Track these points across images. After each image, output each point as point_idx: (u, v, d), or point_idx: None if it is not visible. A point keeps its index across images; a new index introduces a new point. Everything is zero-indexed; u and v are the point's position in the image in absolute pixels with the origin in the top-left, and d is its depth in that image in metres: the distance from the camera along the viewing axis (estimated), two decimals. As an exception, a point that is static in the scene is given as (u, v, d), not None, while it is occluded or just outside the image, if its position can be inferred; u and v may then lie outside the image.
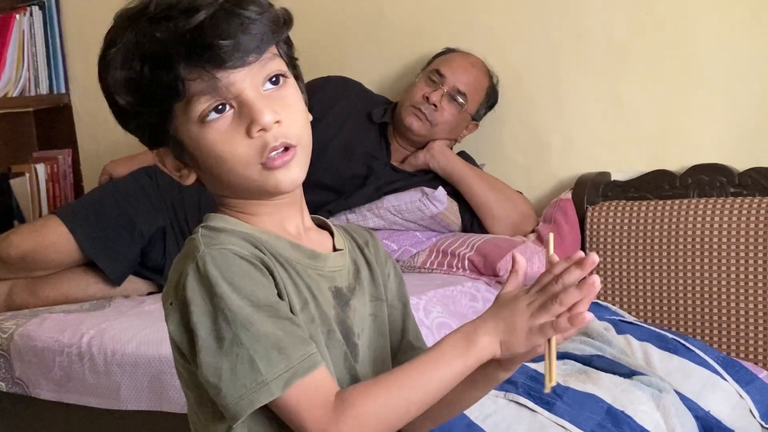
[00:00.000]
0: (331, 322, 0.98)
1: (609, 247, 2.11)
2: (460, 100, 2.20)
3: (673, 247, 2.02)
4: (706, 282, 1.97)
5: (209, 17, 0.88)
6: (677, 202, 2.04)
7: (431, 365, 0.90)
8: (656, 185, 2.11)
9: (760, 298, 1.90)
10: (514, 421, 1.56)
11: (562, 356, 1.84)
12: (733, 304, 1.94)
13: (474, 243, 2.10)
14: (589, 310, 2.09)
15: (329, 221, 1.07)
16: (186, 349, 0.91)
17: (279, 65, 0.94)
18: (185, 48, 0.89)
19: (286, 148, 0.93)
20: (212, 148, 0.92)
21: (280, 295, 0.93)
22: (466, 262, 2.06)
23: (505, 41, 2.32)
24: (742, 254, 1.93)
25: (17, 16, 2.80)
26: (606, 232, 2.12)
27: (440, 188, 2.19)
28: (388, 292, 1.07)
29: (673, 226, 2.03)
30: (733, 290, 1.94)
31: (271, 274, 0.93)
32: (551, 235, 0.98)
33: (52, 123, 2.98)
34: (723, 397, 1.74)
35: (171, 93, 0.91)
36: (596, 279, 0.90)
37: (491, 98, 2.28)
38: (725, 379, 1.77)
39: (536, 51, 2.28)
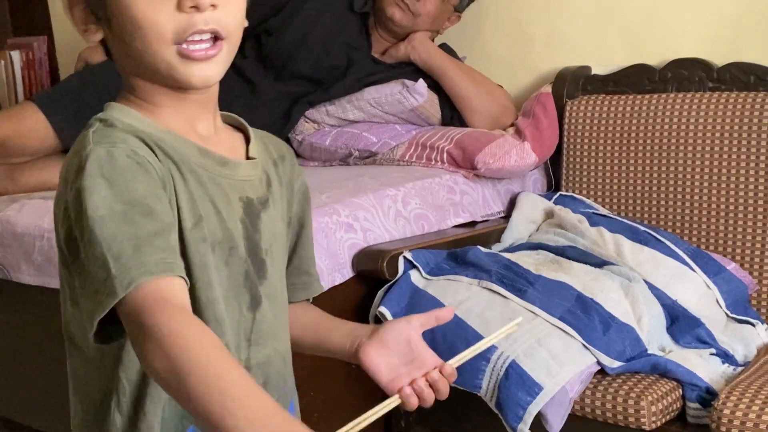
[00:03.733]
0: (235, 237, 0.89)
1: (587, 141, 2.11)
2: (442, -9, 2.18)
3: (649, 141, 2.02)
4: (680, 176, 1.98)
5: None
6: (656, 96, 2.03)
7: (239, 393, 0.72)
8: (636, 79, 2.09)
9: (732, 192, 1.92)
10: (487, 307, 1.61)
11: (536, 247, 1.88)
12: (705, 198, 1.95)
13: (453, 136, 2.09)
14: (563, 203, 2.10)
15: (248, 127, 0.97)
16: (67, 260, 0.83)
17: None
18: None
19: (215, 40, 0.85)
20: (130, 9, 0.83)
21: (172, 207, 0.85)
22: (445, 155, 2.07)
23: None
24: (716, 149, 1.94)
25: None
26: (584, 126, 2.11)
27: (420, 81, 2.18)
28: (291, 211, 1.01)
29: (651, 121, 2.02)
30: (706, 184, 1.95)
31: (164, 184, 0.84)
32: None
33: (26, 9, 2.92)
34: (690, 287, 1.77)
35: None
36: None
37: (473, -11, 2.25)
38: (694, 270, 1.80)
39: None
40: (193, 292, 0.84)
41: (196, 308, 0.85)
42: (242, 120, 0.97)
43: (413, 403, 0.92)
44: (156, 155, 0.85)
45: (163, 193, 0.83)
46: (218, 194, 0.88)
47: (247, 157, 0.94)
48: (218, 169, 0.89)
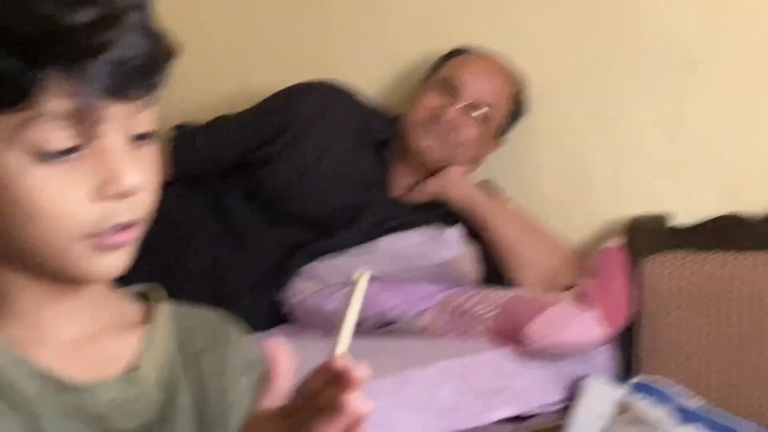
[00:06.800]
0: None
1: (671, 310, 2.06)
2: (483, 114, 2.16)
3: (756, 312, 1.98)
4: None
5: (125, 27, 0.74)
6: (758, 255, 2.02)
7: None
8: (730, 233, 2.07)
9: None
10: None
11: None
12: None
13: (496, 300, 2.05)
14: (642, 392, 1.92)
15: (168, 303, 0.91)
16: None
17: (153, 116, 0.82)
18: (72, 43, 0.73)
19: (129, 225, 0.82)
20: (29, 197, 0.76)
21: None
22: (486, 324, 2.01)
23: (537, 40, 2.27)
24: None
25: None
26: (668, 290, 2.07)
27: (454, 228, 2.15)
28: (233, 417, 0.90)
29: (755, 287, 2.00)
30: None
31: None
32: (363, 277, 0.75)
33: None
34: None
35: (13, 93, 0.74)
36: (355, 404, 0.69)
37: (516, 110, 2.24)
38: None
39: (579, 55, 2.25)
40: None
41: None
42: (163, 302, 0.90)
43: None
44: None
45: None
46: None
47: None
48: (60, 398, 0.81)
